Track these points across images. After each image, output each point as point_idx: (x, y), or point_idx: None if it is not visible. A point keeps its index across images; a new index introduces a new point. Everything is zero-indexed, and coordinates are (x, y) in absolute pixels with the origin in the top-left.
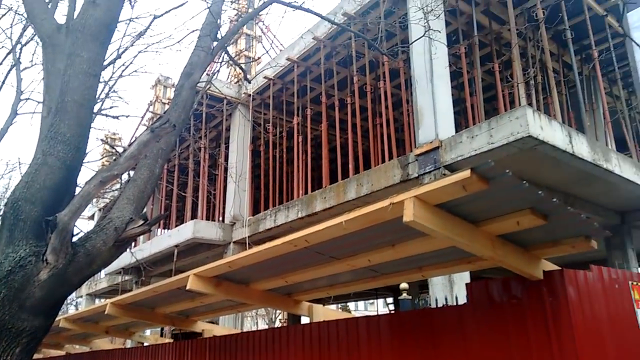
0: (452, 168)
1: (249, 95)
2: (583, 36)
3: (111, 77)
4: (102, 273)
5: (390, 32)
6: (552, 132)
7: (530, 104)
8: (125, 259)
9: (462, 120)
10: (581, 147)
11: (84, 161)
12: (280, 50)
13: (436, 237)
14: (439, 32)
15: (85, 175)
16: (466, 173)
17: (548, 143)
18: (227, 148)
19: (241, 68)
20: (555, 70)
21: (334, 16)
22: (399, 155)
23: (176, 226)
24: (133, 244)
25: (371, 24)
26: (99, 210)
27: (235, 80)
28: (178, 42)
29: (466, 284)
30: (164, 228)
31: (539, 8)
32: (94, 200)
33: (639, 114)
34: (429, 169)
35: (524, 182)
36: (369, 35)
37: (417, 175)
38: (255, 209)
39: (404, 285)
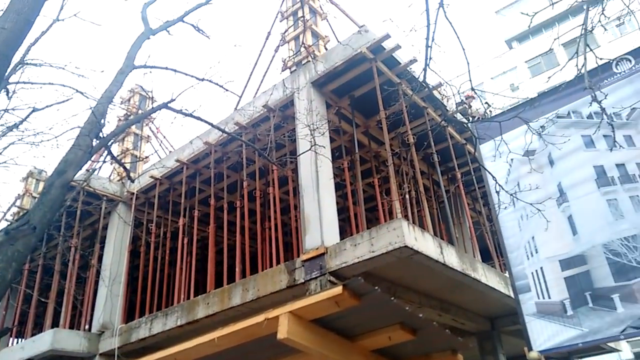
0: (338, 274)
1: (133, 193)
2: (449, 159)
3: None
4: None
5: (280, 143)
6: (425, 243)
7: (406, 216)
8: None
9: (347, 228)
10: (451, 257)
11: None
12: (170, 152)
13: (311, 354)
14: (324, 147)
15: None
16: (338, 289)
17: (422, 253)
18: (102, 248)
19: (124, 167)
20: (426, 187)
21: (226, 125)
22: (288, 259)
23: (32, 335)
24: None
25: (261, 135)
26: None
27: (119, 177)
28: (56, 137)
29: None
30: (18, 337)
31: (409, 134)
32: None
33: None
34: (315, 274)
35: (392, 298)
36: (260, 144)
37: (303, 280)
38: (130, 316)
39: None
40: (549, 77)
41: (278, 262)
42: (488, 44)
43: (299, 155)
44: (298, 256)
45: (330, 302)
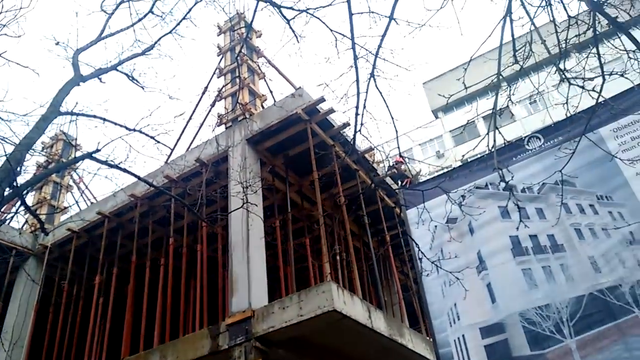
0: (264, 340)
1: (46, 247)
2: (379, 221)
3: None
4: None
5: (211, 199)
6: (354, 307)
7: (336, 278)
8: None
9: (277, 289)
10: (379, 322)
11: None
12: (92, 203)
13: None
14: (256, 205)
15: None
16: None
17: (351, 317)
18: (5, 307)
19: (38, 219)
20: (357, 248)
21: (154, 178)
22: (213, 322)
23: None
24: None
25: (192, 190)
26: None
27: (32, 229)
28: None
29: None
30: None
31: (341, 195)
32: None
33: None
34: (239, 340)
35: None
36: (190, 199)
37: (227, 347)
38: None
39: None
40: (462, 156)
41: (202, 326)
42: (419, 111)
43: (230, 212)
44: (223, 319)
45: None
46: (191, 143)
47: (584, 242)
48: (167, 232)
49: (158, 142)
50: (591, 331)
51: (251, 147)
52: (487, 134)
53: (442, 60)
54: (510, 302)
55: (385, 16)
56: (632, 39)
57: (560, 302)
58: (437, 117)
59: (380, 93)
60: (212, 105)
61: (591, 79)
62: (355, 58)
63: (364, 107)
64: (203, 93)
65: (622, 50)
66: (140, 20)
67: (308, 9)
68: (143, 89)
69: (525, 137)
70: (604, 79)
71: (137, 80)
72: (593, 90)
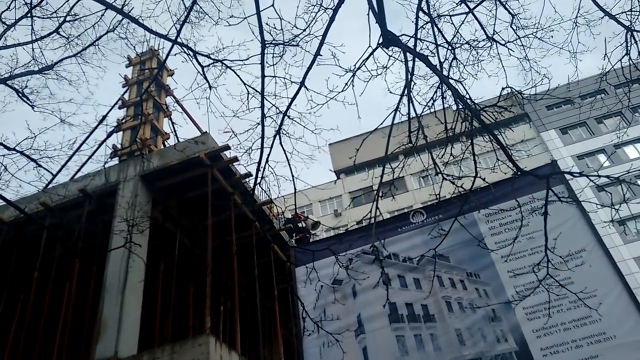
0: None
1: None
2: (270, 274)
3: None
4: None
5: (90, 233)
6: None
7: (217, 329)
8: None
9: (150, 338)
10: None
11: None
12: None
13: None
14: (140, 246)
15: None
16: None
17: None
18: None
19: None
20: (243, 298)
21: (27, 204)
22: None
23: None
24: None
25: (69, 222)
26: None
27: None
28: None
29: None
30: None
31: (233, 244)
32: None
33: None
34: None
35: None
36: (66, 231)
37: None
38: None
39: None
40: (358, 222)
41: None
42: (323, 170)
43: (110, 250)
44: None
45: None
46: (77, 172)
47: (452, 315)
48: (34, 264)
49: (40, 165)
50: None
51: (144, 184)
52: (371, 211)
53: (350, 125)
54: None
55: (295, 82)
56: (497, 141)
57: None
58: (338, 178)
59: (284, 150)
60: (109, 135)
61: (459, 178)
62: (263, 116)
63: (267, 161)
64: (100, 122)
65: (490, 149)
66: (42, 38)
67: (224, 59)
68: (33, 107)
69: (410, 211)
70: (475, 176)
71: (27, 98)
72: (462, 187)
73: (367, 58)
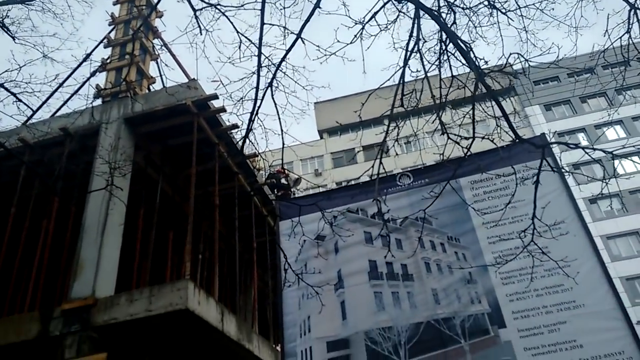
0: (103, 331)
1: None
2: (249, 227)
3: None
4: None
5: (70, 173)
6: (207, 308)
7: (195, 277)
8: None
9: (128, 281)
10: (230, 326)
11: None
12: None
13: None
14: (121, 189)
15: None
16: (102, 356)
17: (202, 318)
18: None
19: None
20: (222, 250)
21: (8, 138)
22: (44, 305)
23: None
24: None
25: (49, 160)
26: None
27: None
28: None
29: None
30: None
31: (216, 195)
32: None
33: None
34: (75, 328)
35: None
36: (45, 169)
37: (59, 334)
38: None
39: None
40: (348, 181)
41: (33, 309)
42: (307, 129)
43: (91, 192)
44: (59, 305)
45: None
46: (58, 109)
47: (430, 275)
48: (10, 200)
49: (19, 100)
50: (422, 356)
51: (128, 127)
52: (372, 167)
53: (340, 85)
54: (359, 321)
55: (294, 33)
56: (501, 107)
57: (402, 326)
58: (321, 138)
59: (275, 104)
60: (93, 74)
61: (467, 138)
62: (260, 65)
63: (257, 113)
64: (84, 60)
65: (490, 115)
66: None
67: (218, 4)
68: (14, 39)
69: (398, 173)
70: (474, 139)
71: (7, 28)
72: (466, 148)
73: (379, 10)
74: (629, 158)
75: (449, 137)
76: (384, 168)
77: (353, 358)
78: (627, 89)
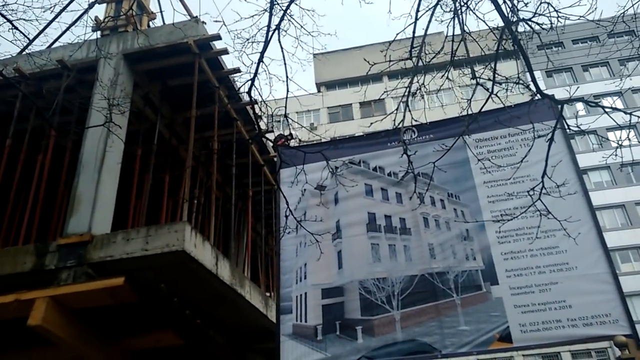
0: (98, 268)
1: None
2: (245, 175)
3: None
4: None
5: (67, 108)
6: (203, 251)
7: (190, 221)
8: None
9: (123, 221)
10: (224, 270)
11: None
12: None
13: (64, 347)
14: (120, 127)
15: None
16: (119, 280)
17: (198, 261)
18: None
19: None
20: (217, 197)
21: (4, 67)
22: (38, 240)
23: None
24: None
25: (46, 93)
26: None
27: None
28: None
29: None
30: None
31: (215, 141)
32: None
33: (271, 251)
34: (70, 263)
35: (175, 299)
36: (41, 102)
37: (54, 267)
38: None
39: None
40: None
41: (28, 243)
42: (306, 80)
43: (89, 127)
44: (54, 239)
45: (105, 292)
46: (55, 40)
47: (427, 230)
48: (6, 132)
49: (15, 27)
50: (415, 307)
51: (128, 64)
52: (395, 112)
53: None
54: (355, 271)
55: None
56: (527, 60)
57: (396, 277)
58: (319, 91)
59: (282, 48)
60: (91, 5)
61: (490, 81)
62: (273, 2)
63: (262, 58)
64: None
65: (503, 77)
66: None
67: None
68: None
69: (402, 128)
70: (492, 91)
71: None
72: (491, 95)
73: None
74: None
75: (477, 83)
76: (412, 117)
77: (347, 305)
78: (631, 59)
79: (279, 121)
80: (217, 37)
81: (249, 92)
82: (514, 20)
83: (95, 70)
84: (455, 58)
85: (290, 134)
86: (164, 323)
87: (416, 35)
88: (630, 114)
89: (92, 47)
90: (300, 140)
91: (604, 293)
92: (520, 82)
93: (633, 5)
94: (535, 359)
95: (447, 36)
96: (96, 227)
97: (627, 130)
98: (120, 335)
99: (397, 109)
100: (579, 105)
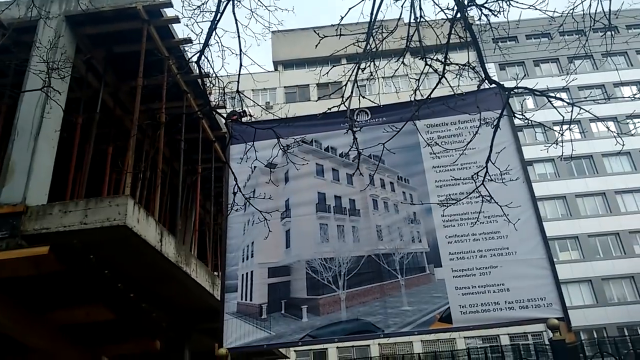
0: (33, 240)
1: None
2: (195, 151)
3: None
4: None
5: (3, 69)
6: (147, 227)
7: (134, 195)
8: None
9: (61, 194)
10: (169, 247)
11: None
12: None
13: None
14: (60, 93)
15: None
16: (43, 249)
17: (141, 236)
18: None
19: None
20: (164, 172)
21: None
22: None
23: None
24: None
25: None
26: None
27: None
28: None
29: None
30: None
31: (163, 113)
32: None
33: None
34: (2, 234)
35: (106, 271)
36: None
37: None
38: None
39: None
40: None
41: None
42: (262, 58)
43: (25, 91)
44: None
45: (28, 262)
46: None
47: (376, 212)
48: None
49: None
50: (360, 287)
51: (70, 26)
52: (342, 98)
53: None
54: (302, 250)
55: None
56: (478, 48)
57: (343, 258)
58: (276, 69)
59: (236, 20)
60: None
61: (441, 62)
62: None
63: (216, 27)
64: None
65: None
66: None
67: None
68: None
69: (356, 110)
70: (444, 75)
71: None
72: (447, 79)
73: None
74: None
75: (425, 62)
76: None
77: (293, 285)
78: (584, 57)
79: (233, 97)
80: (168, 4)
81: (197, 62)
82: (468, 3)
83: (34, 31)
84: (411, 45)
85: (244, 111)
86: (95, 297)
87: (376, 19)
88: (573, 104)
89: (31, 6)
90: (254, 118)
91: (540, 278)
92: (470, 66)
93: (582, 2)
94: (475, 341)
95: (405, 23)
96: (31, 198)
97: (569, 125)
98: (47, 308)
99: (352, 93)
100: (529, 102)
